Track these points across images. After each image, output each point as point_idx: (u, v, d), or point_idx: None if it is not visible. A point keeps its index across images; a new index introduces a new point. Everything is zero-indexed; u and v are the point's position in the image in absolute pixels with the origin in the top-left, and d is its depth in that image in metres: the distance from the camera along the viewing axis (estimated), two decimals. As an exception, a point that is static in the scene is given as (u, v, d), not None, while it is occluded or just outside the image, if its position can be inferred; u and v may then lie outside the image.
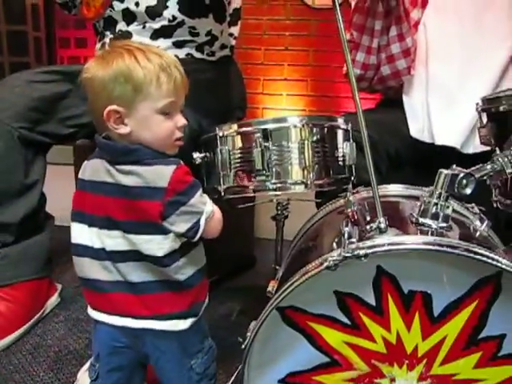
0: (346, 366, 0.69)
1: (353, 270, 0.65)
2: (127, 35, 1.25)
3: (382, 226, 0.66)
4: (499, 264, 0.61)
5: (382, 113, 1.36)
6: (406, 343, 0.67)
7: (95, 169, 0.75)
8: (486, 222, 0.80)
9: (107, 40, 1.29)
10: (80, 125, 1.28)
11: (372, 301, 0.66)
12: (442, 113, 1.21)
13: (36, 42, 2.32)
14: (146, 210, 0.70)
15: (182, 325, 0.75)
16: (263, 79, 2.20)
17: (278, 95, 2.20)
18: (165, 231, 0.70)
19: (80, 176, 0.78)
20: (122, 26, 1.26)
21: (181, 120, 0.75)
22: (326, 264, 0.63)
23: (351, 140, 0.94)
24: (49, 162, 1.32)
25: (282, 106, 2.16)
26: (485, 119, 0.85)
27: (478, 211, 0.85)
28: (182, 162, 0.74)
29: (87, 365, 1.04)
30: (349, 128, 0.94)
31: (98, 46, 1.34)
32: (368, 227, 0.68)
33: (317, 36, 2.10)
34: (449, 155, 1.18)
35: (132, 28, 1.24)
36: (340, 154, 0.96)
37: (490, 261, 0.61)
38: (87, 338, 1.23)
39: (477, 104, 0.86)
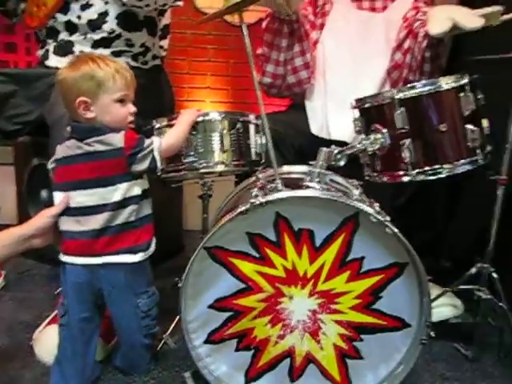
0: (257, 290, 0.94)
1: (259, 215, 0.90)
2: (69, 44, 1.41)
3: (279, 185, 0.93)
4: (355, 205, 0.89)
5: (289, 115, 1.64)
6: (299, 268, 0.93)
7: (67, 147, 0.97)
8: (359, 190, 1.09)
9: (51, 48, 1.45)
10: (25, 122, 1.43)
11: (273, 238, 0.92)
12: (337, 114, 1.48)
13: (-35, 46, 2.34)
14: (115, 165, 0.94)
15: (133, 258, 0.98)
16: (188, 87, 2.40)
17: (201, 101, 2.40)
18: (128, 179, 0.95)
19: (54, 158, 1.00)
20: (64, 35, 1.41)
21: (132, 108, 1.01)
22: (238, 210, 0.88)
23: (261, 132, 1.21)
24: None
25: (206, 112, 2.36)
26: (357, 114, 1.15)
27: (357, 184, 1.14)
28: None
29: (41, 327, 1.20)
30: (259, 123, 1.21)
31: (41, 52, 1.48)
32: (269, 187, 0.94)
33: (236, 49, 2.32)
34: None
35: (74, 38, 1.40)
36: (252, 143, 1.23)
37: (349, 203, 0.89)
38: (34, 312, 1.37)
39: (350, 103, 1.15)
